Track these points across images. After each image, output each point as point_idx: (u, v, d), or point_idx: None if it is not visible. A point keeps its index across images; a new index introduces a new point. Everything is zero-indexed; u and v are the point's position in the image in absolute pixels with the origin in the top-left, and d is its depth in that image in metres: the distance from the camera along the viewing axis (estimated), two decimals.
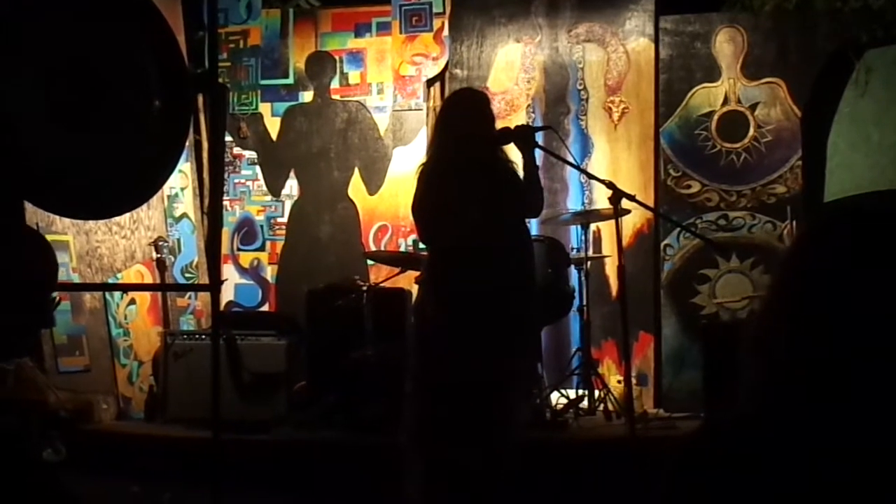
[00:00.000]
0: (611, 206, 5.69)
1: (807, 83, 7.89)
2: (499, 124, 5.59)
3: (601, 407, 7.24)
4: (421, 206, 5.24)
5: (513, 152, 5.44)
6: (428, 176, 5.29)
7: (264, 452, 6.55)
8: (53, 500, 3.34)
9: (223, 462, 4.70)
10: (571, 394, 7.38)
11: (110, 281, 7.94)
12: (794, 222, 6.82)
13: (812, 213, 7.19)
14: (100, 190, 4.12)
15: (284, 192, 9.06)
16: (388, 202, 8.67)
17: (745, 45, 8.10)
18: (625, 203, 5.79)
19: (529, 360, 5.93)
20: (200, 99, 7.93)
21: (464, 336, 4.98)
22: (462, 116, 5.39)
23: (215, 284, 4.62)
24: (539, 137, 5.62)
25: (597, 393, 7.32)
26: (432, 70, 8.90)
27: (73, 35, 4.05)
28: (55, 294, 3.28)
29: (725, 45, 8.13)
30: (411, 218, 5.48)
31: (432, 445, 5.00)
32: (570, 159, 6.04)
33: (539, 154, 5.67)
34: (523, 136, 5.42)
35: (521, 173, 5.39)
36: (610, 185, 5.71)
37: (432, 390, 5.02)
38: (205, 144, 8.61)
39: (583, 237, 7.48)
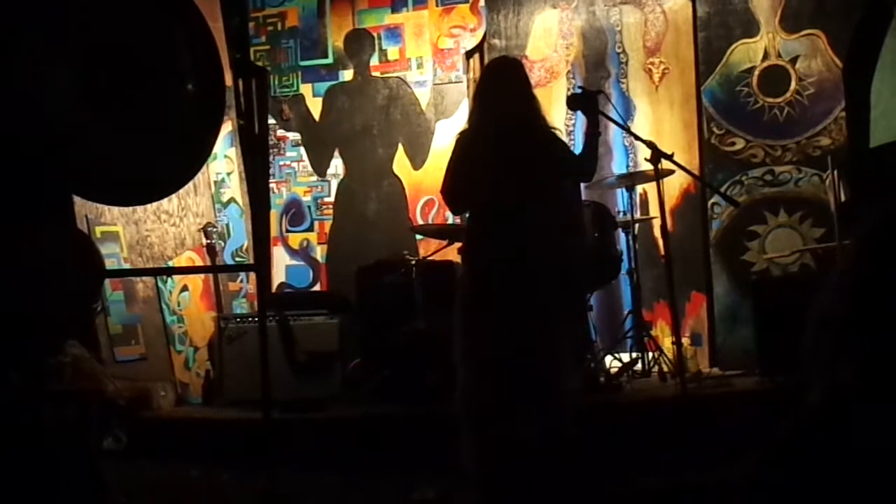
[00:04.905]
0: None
1: (846, 33, 7.77)
2: (539, 92, 5.58)
3: (655, 369, 7.23)
4: (454, 174, 5.24)
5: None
6: (466, 145, 5.29)
7: (321, 430, 6.59)
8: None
9: (277, 441, 4.73)
10: (625, 357, 7.38)
11: None
12: (836, 172, 6.74)
13: (858, 162, 7.09)
14: (139, 176, 4.16)
15: (330, 171, 9.11)
16: (433, 176, 8.66)
17: None
18: (667, 164, 5.79)
19: (574, 325, 5.91)
20: (242, 83, 7.96)
21: (502, 305, 4.98)
22: (498, 85, 5.38)
23: (260, 264, 4.65)
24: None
25: (650, 355, 7.32)
26: (470, 41, 8.89)
27: (107, 23, 4.09)
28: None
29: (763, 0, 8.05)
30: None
31: (481, 417, 5.01)
32: (619, 121, 6.02)
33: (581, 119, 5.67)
34: (590, 102, 5.44)
35: (565, 139, 5.38)
36: (650, 144, 5.71)
37: (477, 362, 5.03)
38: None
39: (629, 200, 7.47)
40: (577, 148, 5.60)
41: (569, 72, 8.56)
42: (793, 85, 7.90)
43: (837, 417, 1.50)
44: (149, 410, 7.11)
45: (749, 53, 8.03)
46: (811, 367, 1.57)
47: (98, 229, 7.37)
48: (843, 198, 6.73)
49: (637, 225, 7.51)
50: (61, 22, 4.10)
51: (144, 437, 6.66)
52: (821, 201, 7.51)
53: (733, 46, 8.05)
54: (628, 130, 6.34)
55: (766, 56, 7.99)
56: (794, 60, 7.93)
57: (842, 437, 1.47)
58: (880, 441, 1.44)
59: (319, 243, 9.10)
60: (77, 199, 6.81)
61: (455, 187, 5.25)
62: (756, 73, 7.99)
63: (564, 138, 7.04)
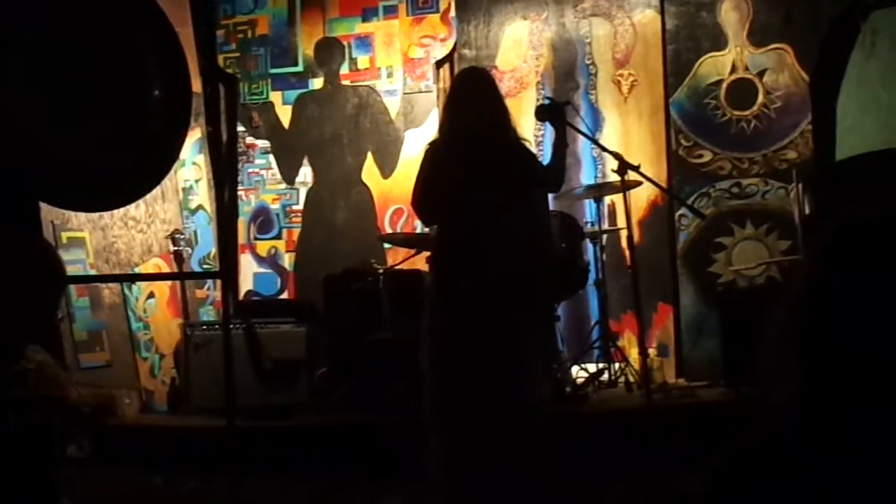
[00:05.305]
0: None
1: (814, 48, 7.86)
2: (508, 103, 5.58)
3: (622, 379, 7.25)
4: (424, 184, 5.24)
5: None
6: (435, 154, 5.29)
7: (286, 439, 6.59)
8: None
9: (242, 449, 4.72)
10: (592, 367, 7.40)
11: None
12: (800, 185, 6.79)
13: (824, 176, 7.15)
14: (105, 181, 4.15)
15: (299, 179, 9.10)
16: (402, 185, 8.65)
17: (750, 13, 8.08)
18: (634, 175, 5.82)
19: (542, 334, 5.92)
20: (211, 90, 7.95)
21: (470, 313, 4.98)
22: (468, 95, 5.38)
23: (226, 271, 4.65)
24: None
25: (616, 365, 7.34)
26: (441, 51, 8.91)
27: (72, 28, 4.08)
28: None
29: (731, 13, 8.11)
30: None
31: (448, 425, 5.01)
32: (587, 132, 6.05)
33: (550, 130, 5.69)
34: (557, 113, 5.46)
35: (533, 150, 5.40)
36: (617, 155, 5.74)
37: (445, 370, 5.03)
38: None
39: (597, 211, 7.50)
40: (546, 158, 5.61)
41: (538, 83, 8.59)
42: (760, 98, 7.96)
43: (787, 432, 1.52)
44: (113, 418, 7.08)
45: (717, 66, 8.09)
46: (767, 379, 1.59)
47: (64, 235, 7.33)
48: (807, 210, 6.78)
49: (605, 236, 7.55)
50: (25, 26, 4.08)
51: (108, 444, 6.63)
52: (787, 214, 7.56)
53: (701, 59, 8.12)
54: (595, 142, 6.37)
55: (733, 69, 8.06)
56: (761, 74, 8.00)
57: (793, 451, 1.49)
58: (830, 453, 1.46)
59: (287, 251, 9.09)
60: (43, 205, 6.78)
61: (425, 197, 5.25)
62: (724, 86, 8.05)
63: (533, 149, 7.07)
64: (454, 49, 8.82)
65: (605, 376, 7.33)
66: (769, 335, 1.59)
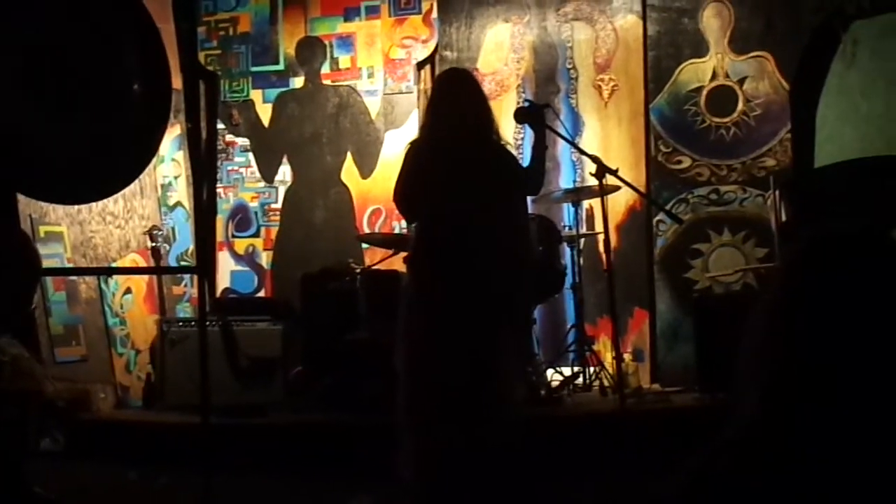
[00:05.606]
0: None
1: (794, 56, 7.91)
2: (490, 105, 5.60)
3: (596, 383, 7.27)
4: (406, 182, 5.25)
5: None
6: (417, 154, 5.30)
7: (261, 436, 6.58)
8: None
9: (215, 446, 4.72)
10: (567, 371, 7.42)
11: None
12: (777, 192, 6.82)
13: (801, 184, 7.19)
14: (83, 174, 4.14)
15: (278, 178, 9.08)
16: (381, 185, 8.66)
17: (731, 20, 8.12)
18: (612, 180, 5.85)
19: (518, 338, 5.93)
20: (192, 87, 7.94)
21: (447, 314, 4.99)
22: (450, 96, 5.40)
23: (203, 266, 4.64)
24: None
25: (591, 369, 7.36)
26: (422, 53, 8.92)
27: (51, 19, 4.07)
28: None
29: (712, 20, 8.14)
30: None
31: (423, 425, 5.02)
32: (566, 136, 6.08)
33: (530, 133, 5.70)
34: (537, 116, 5.47)
35: (514, 152, 5.42)
36: (595, 159, 5.76)
37: (421, 370, 5.03)
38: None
39: (575, 215, 7.52)
40: (526, 161, 5.62)
41: (519, 86, 8.60)
42: (740, 105, 8.00)
43: (757, 436, 1.54)
44: (88, 412, 7.07)
45: (697, 73, 8.13)
46: (740, 384, 1.61)
47: (42, 229, 7.32)
48: (783, 218, 6.81)
49: (582, 240, 7.57)
50: (4, 17, 4.07)
51: (83, 438, 6.62)
52: (764, 221, 7.60)
53: (682, 66, 8.16)
54: (574, 145, 6.40)
55: (714, 76, 8.10)
56: (741, 81, 8.04)
57: (762, 455, 1.51)
58: (797, 458, 1.48)
59: (265, 249, 9.07)
60: (21, 199, 6.77)
61: (408, 194, 5.25)
62: (704, 92, 8.09)
63: (514, 151, 7.09)
64: (435, 50, 8.83)
65: (580, 380, 7.34)
66: (744, 342, 1.62)
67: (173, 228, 8.69)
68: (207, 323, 5.67)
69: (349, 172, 8.95)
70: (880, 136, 7.50)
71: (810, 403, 1.49)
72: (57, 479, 5.32)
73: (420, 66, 8.92)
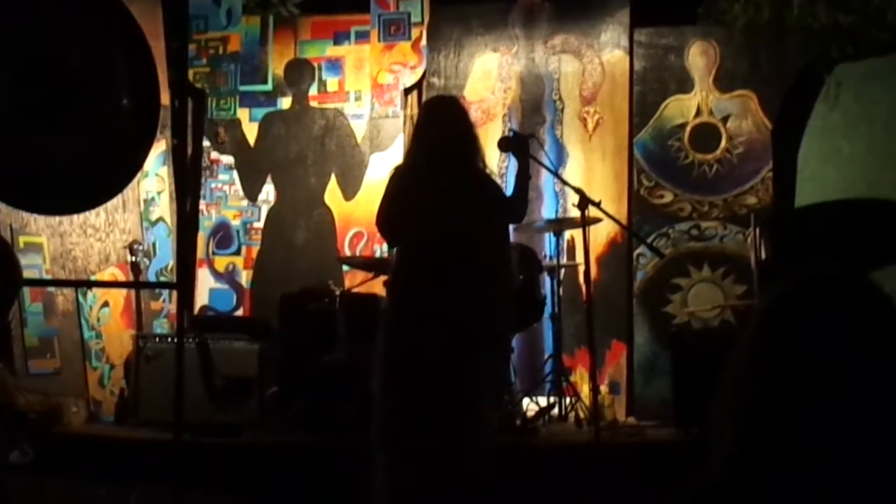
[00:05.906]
0: None
1: (778, 96, 7.98)
2: (476, 132, 5.63)
3: (572, 414, 7.27)
4: (389, 207, 5.26)
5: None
6: (401, 178, 5.32)
7: (234, 456, 6.56)
8: None
9: (187, 464, 4.71)
10: (543, 401, 7.41)
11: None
12: (758, 230, 6.85)
13: (781, 222, 7.21)
14: (66, 185, 4.14)
15: (261, 197, 9.07)
16: (364, 208, 8.66)
17: (717, 59, 8.18)
18: (594, 212, 5.87)
19: (495, 366, 5.94)
20: (179, 104, 7.95)
21: (425, 338, 4.99)
22: (436, 122, 5.42)
23: (182, 281, 4.64)
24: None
25: (568, 400, 7.36)
26: (410, 79, 8.94)
27: (40, 32, 4.08)
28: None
29: (698, 58, 8.21)
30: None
31: (395, 449, 5.02)
32: (549, 166, 6.12)
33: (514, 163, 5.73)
34: (520, 145, 5.51)
35: (498, 181, 5.44)
36: (578, 190, 5.80)
37: (396, 393, 5.03)
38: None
39: (556, 245, 7.54)
40: (509, 190, 5.64)
41: (505, 115, 8.63)
42: (723, 143, 8.05)
43: (733, 475, 1.55)
44: (59, 426, 7.02)
45: (682, 109, 8.18)
46: (718, 421, 1.62)
47: (22, 239, 7.30)
48: (763, 256, 6.84)
49: (563, 270, 7.59)
50: None
51: (53, 452, 6.57)
52: (744, 258, 7.63)
53: (667, 101, 8.21)
54: (557, 175, 6.42)
55: (698, 113, 8.15)
56: (725, 119, 8.09)
57: (738, 494, 1.52)
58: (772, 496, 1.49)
59: (245, 268, 9.05)
60: (2, 207, 6.75)
61: (390, 219, 5.26)
62: (688, 128, 8.13)
63: (498, 180, 7.12)
64: (423, 77, 8.85)
65: (556, 410, 7.33)
66: (723, 379, 1.63)
67: (154, 244, 8.66)
68: (184, 340, 5.66)
69: (332, 194, 8.95)
70: (862, 178, 7.56)
71: (786, 451, 1.50)
72: (25, 493, 5.30)
73: (407, 91, 8.94)
